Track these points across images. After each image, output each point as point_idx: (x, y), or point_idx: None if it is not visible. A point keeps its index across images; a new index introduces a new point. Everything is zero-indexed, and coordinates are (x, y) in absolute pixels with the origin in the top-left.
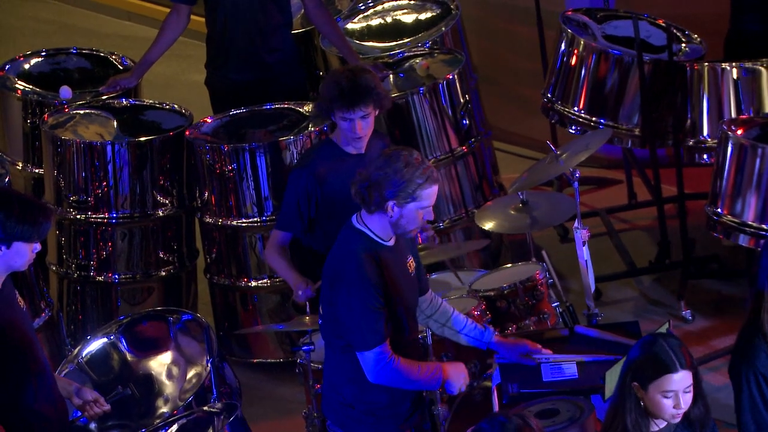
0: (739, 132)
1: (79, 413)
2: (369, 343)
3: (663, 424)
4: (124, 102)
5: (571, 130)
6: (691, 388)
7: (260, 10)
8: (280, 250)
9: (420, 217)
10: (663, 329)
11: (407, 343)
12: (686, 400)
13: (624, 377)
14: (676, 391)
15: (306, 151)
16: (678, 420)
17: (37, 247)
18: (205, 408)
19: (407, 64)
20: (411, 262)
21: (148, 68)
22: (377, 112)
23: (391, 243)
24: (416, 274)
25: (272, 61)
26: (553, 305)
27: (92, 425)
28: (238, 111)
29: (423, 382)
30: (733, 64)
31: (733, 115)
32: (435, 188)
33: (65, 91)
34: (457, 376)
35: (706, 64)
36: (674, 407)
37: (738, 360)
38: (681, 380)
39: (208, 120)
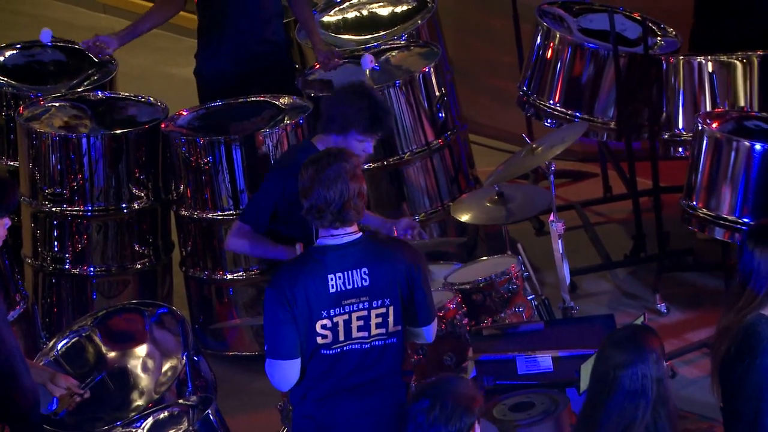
0: (714, 125)
1: (54, 407)
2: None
3: None
4: (100, 95)
5: (546, 123)
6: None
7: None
8: (243, 237)
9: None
10: (638, 322)
11: None
12: None
13: None
14: None
15: (286, 152)
16: None
17: (8, 222)
18: (181, 401)
19: (383, 57)
20: None
21: (134, 38)
22: None
23: None
24: None
25: (266, 51)
26: (529, 298)
27: (67, 418)
28: (213, 104)
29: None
30: (708, 57)
31: (708, 108)
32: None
33: (46, 35)
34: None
35: (682, 57)
36: None
37: (748, 352)
38: None
39: (184, 113)
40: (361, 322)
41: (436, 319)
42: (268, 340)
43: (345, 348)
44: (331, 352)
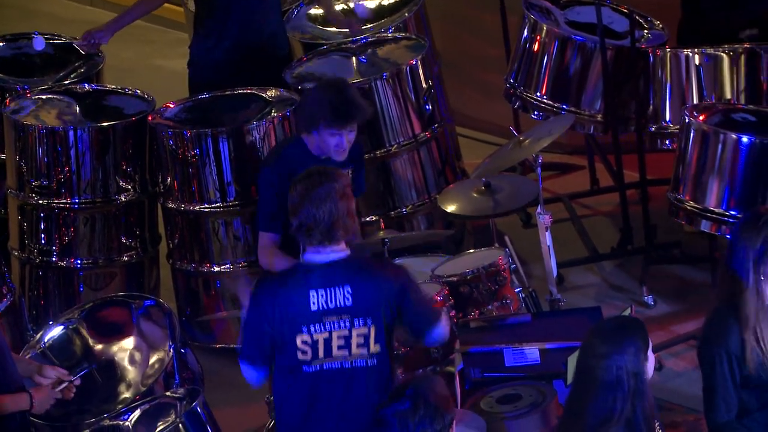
0: (701, 118)
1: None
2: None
3: None
4: (87, 87)
5: (533, 116)
6: None
7: None
8: (274, 251)
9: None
10: (625, 314)
11: None
12: None
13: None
14: None
15: (274, 148)
16: None
17: None
18: (168, 393)
19: (370, 50)
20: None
21: (122, 27)
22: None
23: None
24: None
25: (264, 43)
26: (516, 290)
27: (54, 410)
28: (200, 96)
29: None
30: (695, 50)
31: (695, 101)
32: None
33: (39, 42)
34: None
35: (669, 50)
36: None
37: (710, 343)
38: None
39: (171, 105)
40: (341, 341)
41: (441, 319)
42: (242, 341)
43: (325, 366)
44: (311, 369)
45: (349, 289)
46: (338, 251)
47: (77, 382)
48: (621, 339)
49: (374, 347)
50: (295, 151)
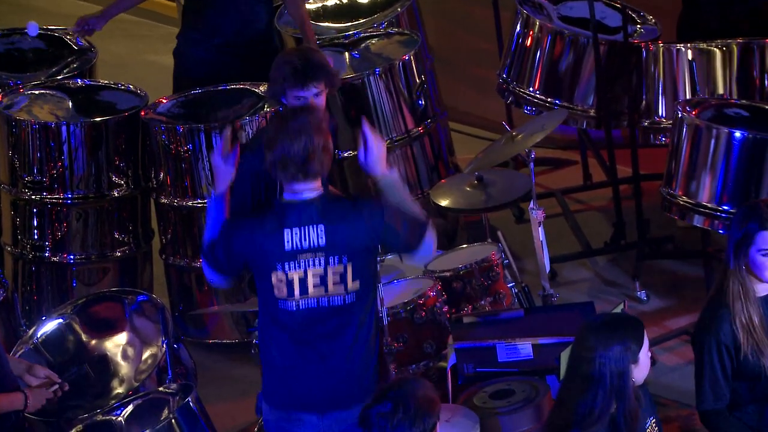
0: (694, 113)
1: None
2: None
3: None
4: (79, 82)
5: (526, 111)
6: None
7: None
8: None
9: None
10: (618, 309)
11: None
12: None
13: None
14: None
15: (255, 134)
16: None
17: None
18: (161, 389)
19: (363, 45)
20: None
21: (116, 15)
22: (327, 91)
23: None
24: None
25: (252, 38)
26: (509, 285)
27: (47, 405)
28: (193, 92)
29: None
30: (688, 45)
31: (688, 96)
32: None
33: (33, 28)
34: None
35: (661, 45)
36: None
37: (701, 330)
38: None
39: (164, 100)
40: (317, 279)
41: (427, 231)
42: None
43: (301, 304)
44: (288, 306)
45: (323, 228)
46: (313, 189)
47: (66, 388)
48: (609, 335)
49: (352, 284)
50: None
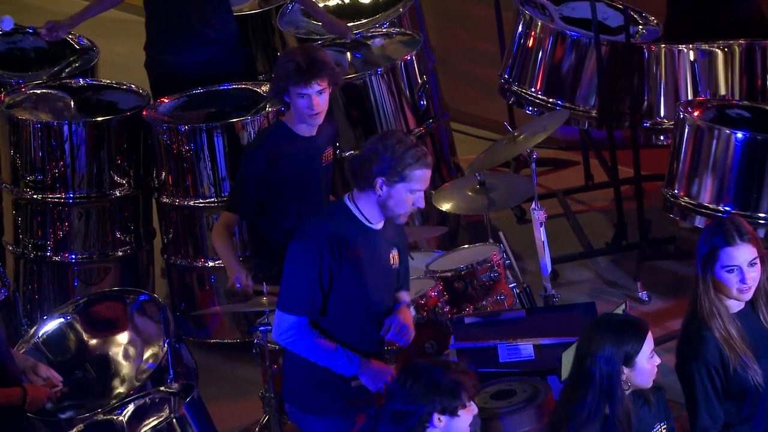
0: (696, 114)
1: None
2: (288, 306)
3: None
4: (81, 82)
5: (528, 111)
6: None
7: None
8: (227, 234)
9: (409, 201)
10: (619, 310)
11: (366, 332)
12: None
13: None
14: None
15: (257, 133)
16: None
17: None
18: (162, 388)
19: (365, 45)
20: (395, 255)
21: (84, 20)
22: (331, 89)
23: (379, 227)
24: (397, 268)
25: (214, 40)
26: (510, 286)
27: (48, 405)
28: (195, 91)
29: (330, 363)
30: (690, 46)
31: (690, 96)
32: (426, 172)
33: (7, 22)
34: (375, 376)
35: (663, 46)
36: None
37: (688, 357)
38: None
39: (165, 100)
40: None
41: None
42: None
43: None
44: None
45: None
46: None
47: (65, 390)
48: (603, 336)
49: None
50: (279, 133)
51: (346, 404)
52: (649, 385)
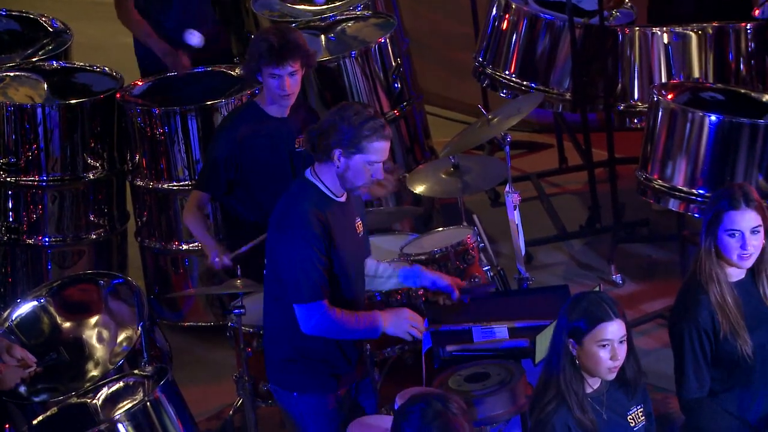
0: (670, 97)
1: None
2: (304, 297)
3: (597, 384)
4: (55, 64)
5: (502, 94)
6: (626, 339)
7: None
8: (199, 213)
9: (368, 172)
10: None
11: (351, 301)
12: (622, 352)
13: (557, 336)
14: (612, 341)
15: (229, 113)
16: (614, 375)
17: None
18: (136, 371)
19: (339, 28)
20: (359, 224)
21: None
22: (303, 71)
23: (343, 199)
24: (363, 236)
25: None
26: (484, 269)
27: (21, 389)
28: (168, 74)
29: (360, 332)
30: (664, 29)
31: (664, 79)
32: (384, 144)
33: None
34: (397, 321)
35: (637, 28)
36: (611, 359)
37: (679, 317)
38: (616, 329)
39: (139, 83)
40: None
41: None
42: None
43: None
44: None
45: None
46: None
47: (39, 370)
48: (566, 306)
49: None
50: (250, 113)
51: (328, 380)
52: (603, 376)
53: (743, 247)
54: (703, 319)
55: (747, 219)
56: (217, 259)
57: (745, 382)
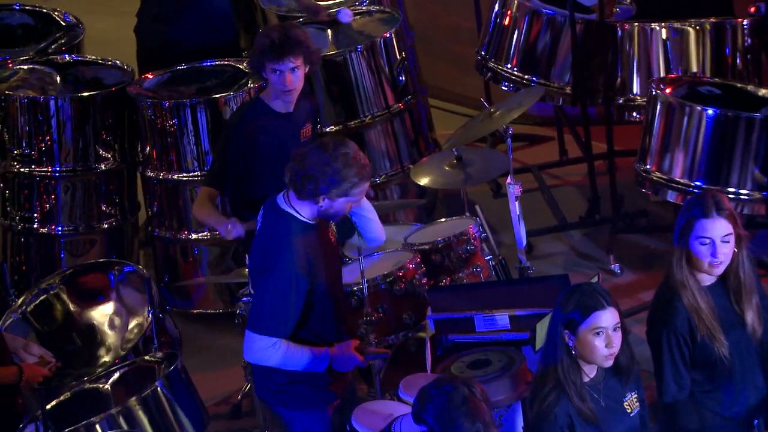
0: (668, 90)
1: None
2: (264, 329)
3: (593, 373)
4: (67, 58)
5: (504, 88)
6: (620, 327)
7: None
8: (209, 203)
9: (348, 207)
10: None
11: (333, 311)
12: (617, 339)
13: (553, 328)
14: (606, 329)
15: (235, 110)
16: (611, 362)
17: None
18: (146, 357)
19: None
20: (332, 231)
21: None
22: (307, 68)
23: (315, 221)
24: (336, 242)
25: (214, 16)
26: (486, 258)
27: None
28: (179, 67)
29: (305, 367)
30: (663, 24)
31: (662, 74)
32: (367, 185)
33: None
34: (341, 357)
35: (636, 24)
36: (606, 346)
37: (657, 323)
38: (609, 317)
39: (150, 76)
40: None
41: None
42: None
43: None
44: None
45: None
46: None
47: (59, 364)
48: (562, 298)
49: None
50: (257, 109)
51: (318, 395)
52: (600, 363)
53: (714, 254)
54: (681, 324)
55: (718, 227)
56: (229, 227)
57: (726, 382)
